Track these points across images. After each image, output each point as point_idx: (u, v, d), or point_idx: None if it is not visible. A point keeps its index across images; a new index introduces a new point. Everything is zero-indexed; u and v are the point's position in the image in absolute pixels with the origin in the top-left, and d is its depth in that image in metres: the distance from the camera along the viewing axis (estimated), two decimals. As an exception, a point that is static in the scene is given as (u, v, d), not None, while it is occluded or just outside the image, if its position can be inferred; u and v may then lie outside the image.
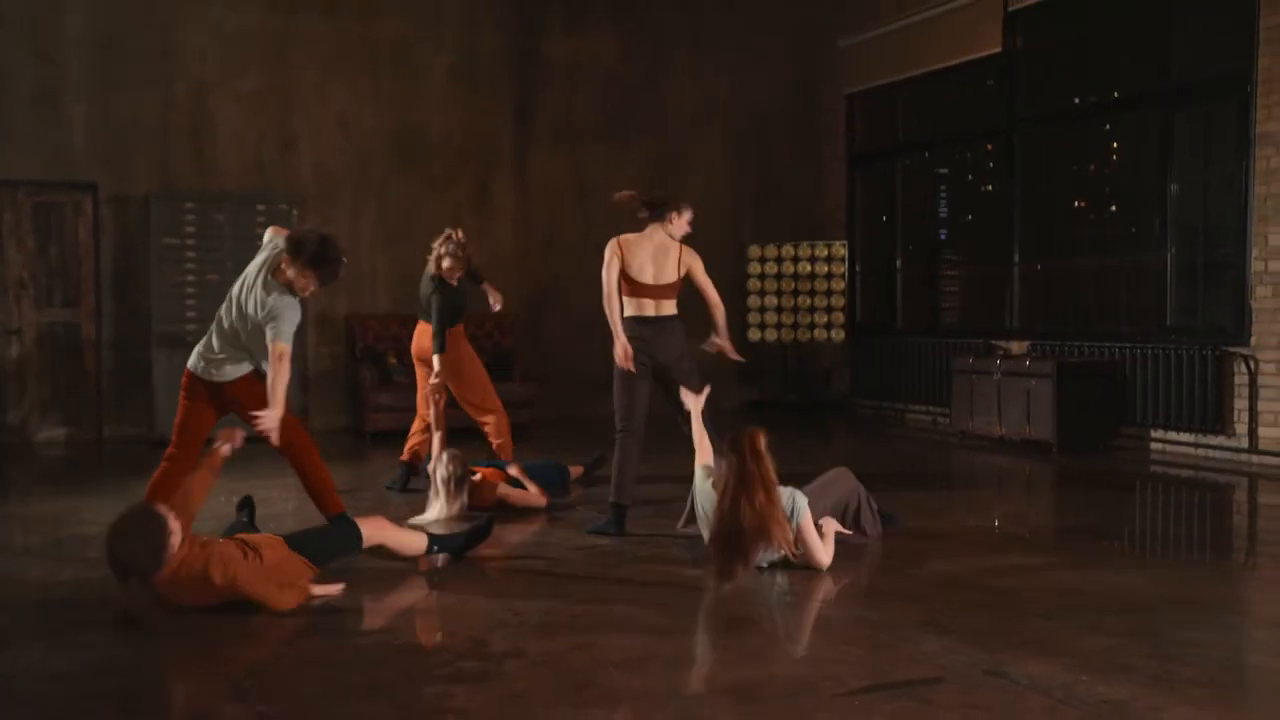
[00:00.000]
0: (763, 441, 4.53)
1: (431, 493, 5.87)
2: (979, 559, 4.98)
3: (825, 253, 11.14)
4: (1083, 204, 9.41)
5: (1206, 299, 8.17)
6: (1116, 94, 8.90)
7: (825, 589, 4.45)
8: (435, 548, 4.86)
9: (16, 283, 9.09)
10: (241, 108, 9.73)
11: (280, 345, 4.66)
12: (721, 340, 5.64)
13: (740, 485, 4.45)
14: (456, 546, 4.93)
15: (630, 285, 5.47)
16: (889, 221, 11.22)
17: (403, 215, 10.26)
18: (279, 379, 4.66)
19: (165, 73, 9.49)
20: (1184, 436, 8.05)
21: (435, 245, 6.67)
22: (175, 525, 4.06)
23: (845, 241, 11.22)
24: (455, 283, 6.67)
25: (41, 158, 9.12)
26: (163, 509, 4.10)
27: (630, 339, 5.42)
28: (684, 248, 5.51)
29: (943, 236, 10.93)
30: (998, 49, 9.64)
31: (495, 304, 6.97)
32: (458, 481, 5.83)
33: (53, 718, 3.14)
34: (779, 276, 11.18)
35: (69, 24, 9.22)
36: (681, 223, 5.49)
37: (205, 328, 8.98)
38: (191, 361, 4.95)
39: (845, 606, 4.22)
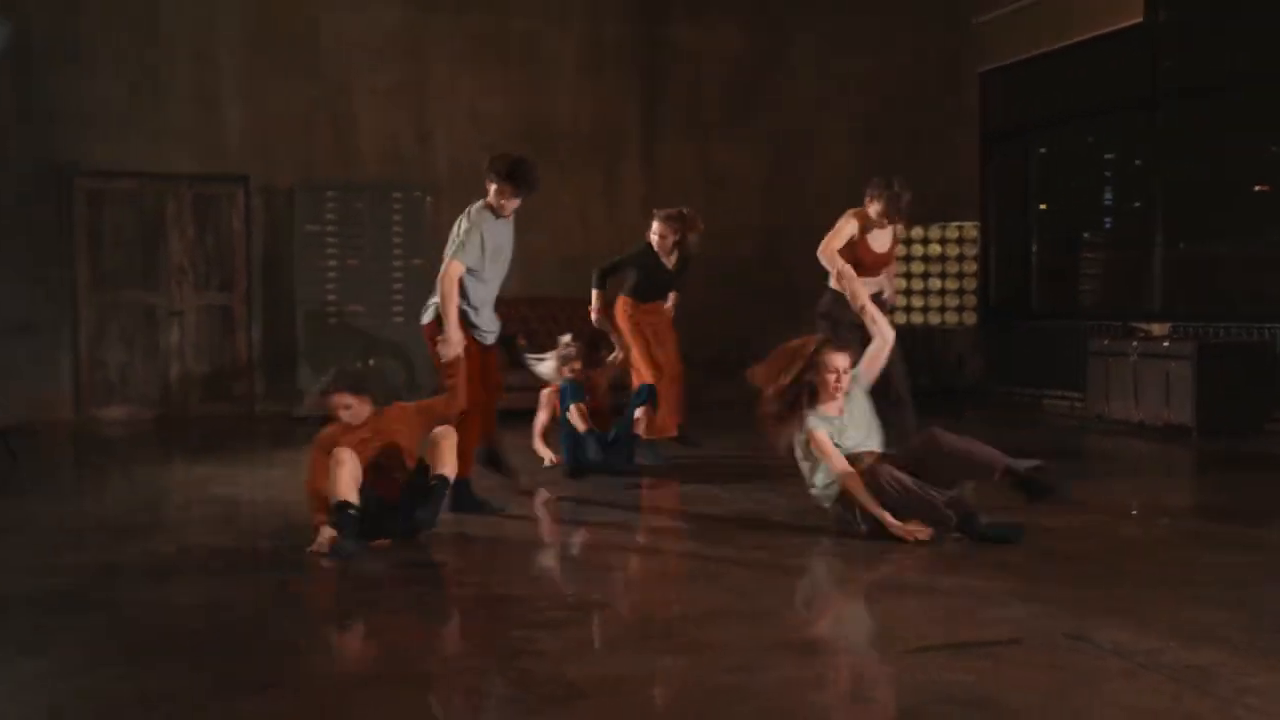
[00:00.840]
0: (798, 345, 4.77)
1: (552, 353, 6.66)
2: (1090, 535, 4.85)
3: (956, 234, 10.89)
4: (1230, 181, 8.94)
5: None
6: (1265, 65, 8.42)
7: (918, 556, 4.41)
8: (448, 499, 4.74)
9: (178, 269, 9.77)
10: (380, 101, 10.17)
11: (453, 264, 5.10)
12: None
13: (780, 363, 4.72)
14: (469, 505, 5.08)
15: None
16: (1024, 201, 10.90)
17: (533, 204, 10.47)
18: (448, 303, 5.05)
19: (310, 70, 10.00)
20: (1340, 422, 7.61)
21: (666, 217, 7.05)
22: (361, 401, 4.58)
23: (978, 223, 10.95)
24: (667, 256, 7.05)
25: (200, 153, 9.76)
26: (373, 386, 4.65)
27: None
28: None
29: (1081, 217, 10.56)
30: (1139, 19, 9.25)
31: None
32: (565, 359, 6.58)
33: (176, 646, 3.43)
34: (908, 259, 10.97)
35: (222, 27, 9.83)
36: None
37: (345, 309, 9.68)
38: None
39: (934, 573, 4.18)
